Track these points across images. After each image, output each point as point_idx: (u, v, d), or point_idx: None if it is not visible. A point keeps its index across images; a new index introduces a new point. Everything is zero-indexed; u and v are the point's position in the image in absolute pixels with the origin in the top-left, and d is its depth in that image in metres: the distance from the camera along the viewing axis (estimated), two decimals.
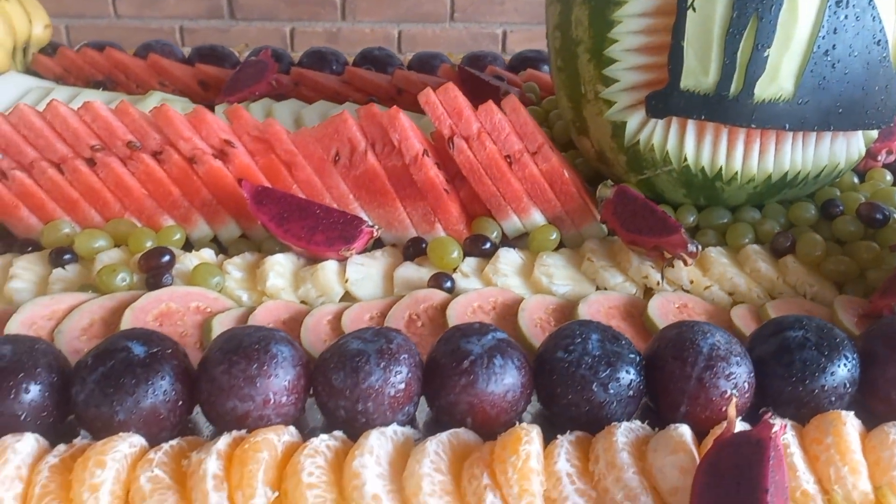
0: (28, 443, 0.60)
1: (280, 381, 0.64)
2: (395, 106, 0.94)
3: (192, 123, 0.94)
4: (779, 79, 0.87)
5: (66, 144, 0.93)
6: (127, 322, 0.75)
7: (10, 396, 0.61)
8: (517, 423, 0.65)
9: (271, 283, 0.83)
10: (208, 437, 0.68)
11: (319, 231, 0.88)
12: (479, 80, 1.29)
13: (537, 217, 0.96)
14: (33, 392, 0.62)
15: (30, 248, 0.89)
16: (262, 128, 0.96)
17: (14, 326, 0.74)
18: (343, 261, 0.88)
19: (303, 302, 0.84)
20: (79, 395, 0.63)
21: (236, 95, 1.24)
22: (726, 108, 0.89)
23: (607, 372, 0.66)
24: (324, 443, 0.62)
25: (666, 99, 0.90)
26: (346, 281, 0.85)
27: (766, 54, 0.86)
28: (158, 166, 0.93)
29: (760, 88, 0.87)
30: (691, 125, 0.92)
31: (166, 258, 0.84)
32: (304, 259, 0.90)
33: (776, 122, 0.89)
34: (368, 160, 0.94)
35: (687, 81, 0.88)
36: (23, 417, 0.62)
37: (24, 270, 0.84)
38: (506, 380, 0.66)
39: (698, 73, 0.88)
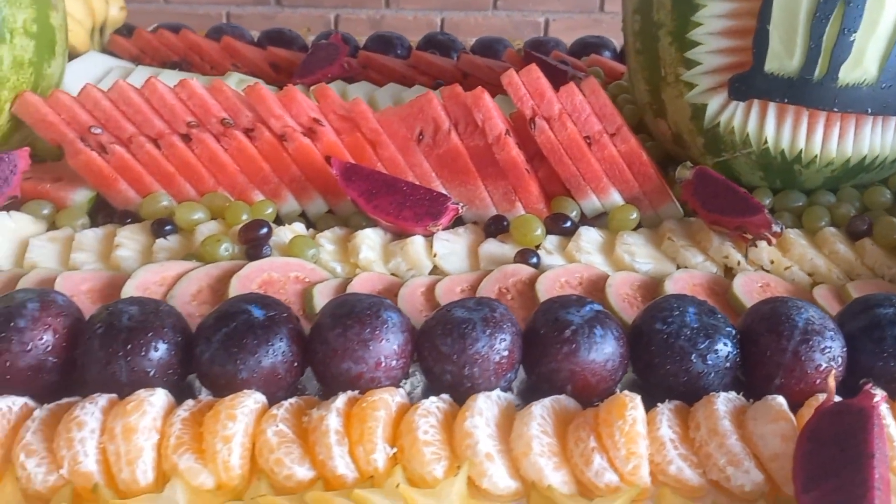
0: (160, 397, 0.63)
1: (391, 345, 0.67)
2: (479, 87, 0.97)
3: (283, 102, 0.98)
4: (863, 63, 0.88)
5: (163, 120, 0.96)
6: (234, 289, 0.78)
7: (141, 353, 0.65)
8: (615, 391, 0.68)
9: (364, 256, 0.86)
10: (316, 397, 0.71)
11: (407, 207, 0.91)
12: (546, 64, 1.31)
13: (616, 197, 0.97)
14: (161, 350, 0.66)
15: (129, 220, 0.93)
16: (348, 107, 0.99)
17: (129, 290, 0.78)
18: (429, 236, 0.91)
19: (393, 274, 0.87)
20: (203, 354, 0.67)
21: (310, 77, 1.27)
22: (810, 91, 0.90)
23: (706, 343, 0.68)
24: (434, 404, 0.65)
25: (749, 82, 0.91)
26: (435, 255, 0.88)
27: (851, 39, 0.87)
28: (250, 143, 0.96)
29: (845, 72, 0.88)
30: (772, 108, 0.93)
31: (264, 230, 0.87)
32: (390, 234, 0.93)
33: (858, 106, 0.90)
34: (452, 139, 0.97)
35: (771, 65, 0.90)
36: (152, 374, 0.66)
37: (128, 240, 0.88)
38: (606, 349, 0.68)
39: (783, 57, 0.89)
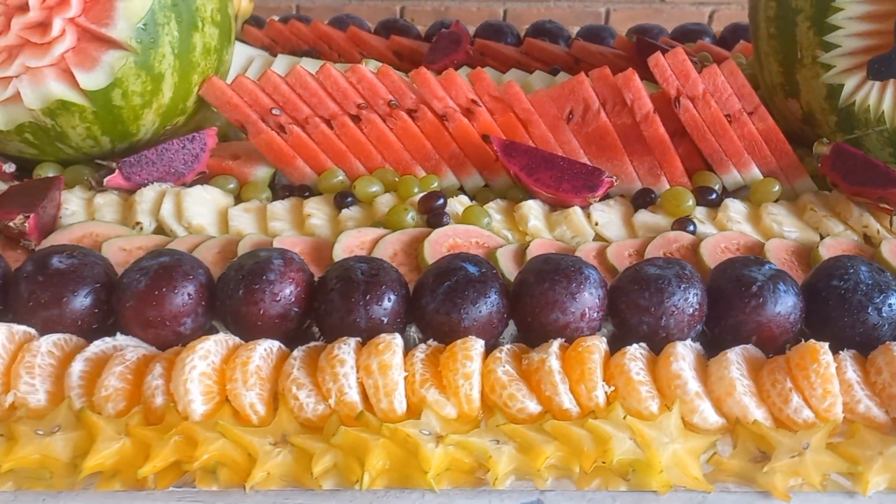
0: (399, 339, 0.71)
1: (593, 297, 0.75)
2: (630, 69, 1.04)
3: (443, 85, 1.06)
4: None
5: (336, 103, 1.05)
6: (428, 252, 0.87)
7: (378, 303, 0.74)
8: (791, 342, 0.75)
9: (532, 224, 0.94)
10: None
11: (566, 180, 0.99)
12: (658, 49, 1.37)
13: (755, 171, 1.04)
14: (392, 301, 0.75)
15: (307, 193, 1.02)
16: (503, 89, 1.06)
17: (338, 252, 0.86)
18: (585, 207, 0.98)
19: (558, 240, 0.95)
20: (429, 305, 0.75)
21: (438, 64, 1.34)
22: None
23: (881, 298, 0.75)
24: (637, 350, 0.73)
25: (889, 63, 0.97)
26: (596, 224, 0.95)
27: None
28: (413, 123, 1.05)
29: None
30: None
31: (441, 201, 0.95)
32: (548, 205, 1.00)
33: None
34: (601, 118, 1.04)
35: None
36: (385, 322, 0.74)
37: (316, 210, 0.96)
38: (788, 303, 0.75)
39: None
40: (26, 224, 0.83)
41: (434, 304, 0.75)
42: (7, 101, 0.92)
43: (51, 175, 0.98)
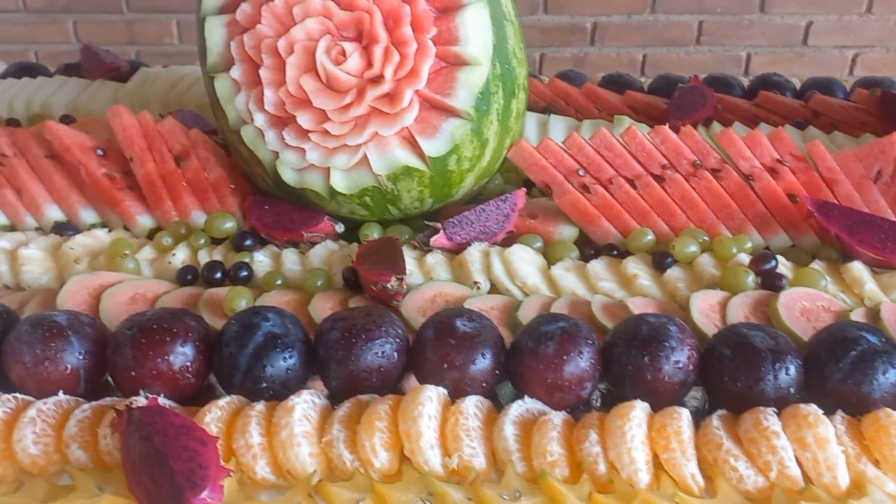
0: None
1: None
2: None
3: (748, 144, 1.06)
4: None
5: (640, 163, 1.07)
6: (784, 315, 0.86)
7: (786, 372, 0.73)
8: None
9: (869, 288, 0.93)
10: None
11: (891, 240, 0.97)
12: None
13: None
14: (796, 369, 0.74)
15: (614, 252, 1.03)
16: (807, 149, 1.06)
17: (696, 315, 0.87)
18: None
19: None
20: (834, 375, 0.74)
21: (687, 119, 1.35)
22: None
23: None
24: None
25: None
26: None
27: None
28: (717, 182, 1.05)
29: None
30: None
31: (773, 263, 0.95)
32: (868, 266, 0.98)
33: None
34: None
35: None
36: (792, 391, 0.74)
37: (638, 270, 0.97)
38: None
39: None
40: (403, 285, 0.87)
41: (840, 374, 0.74)
42: (354, 167, 0.98)
43: (377, 236, 1.03)
